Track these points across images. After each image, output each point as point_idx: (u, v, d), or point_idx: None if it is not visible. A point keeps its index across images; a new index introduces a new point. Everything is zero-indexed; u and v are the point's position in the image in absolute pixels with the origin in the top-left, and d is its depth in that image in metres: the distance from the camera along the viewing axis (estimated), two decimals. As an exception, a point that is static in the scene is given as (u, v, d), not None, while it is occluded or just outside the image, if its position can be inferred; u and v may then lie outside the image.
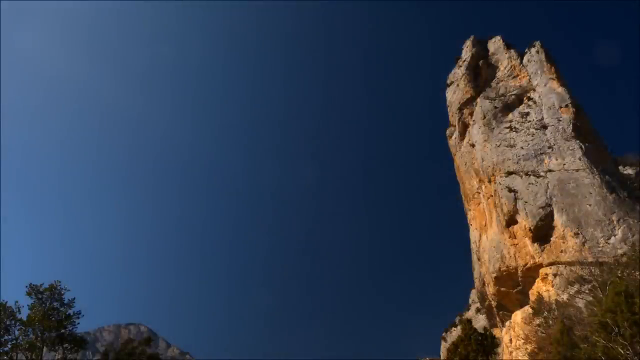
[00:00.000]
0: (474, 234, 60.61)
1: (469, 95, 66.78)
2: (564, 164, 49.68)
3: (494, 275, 50.67)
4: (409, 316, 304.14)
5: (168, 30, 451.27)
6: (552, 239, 45.25)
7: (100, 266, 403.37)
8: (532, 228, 46.52)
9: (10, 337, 30.41)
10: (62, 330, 31.25)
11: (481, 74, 68.61)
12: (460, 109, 67.12)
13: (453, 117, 69.58)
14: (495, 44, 72.13)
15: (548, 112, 56.15)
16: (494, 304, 53.55)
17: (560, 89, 57.64)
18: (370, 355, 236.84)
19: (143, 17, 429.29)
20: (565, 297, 38.98)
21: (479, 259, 57.46)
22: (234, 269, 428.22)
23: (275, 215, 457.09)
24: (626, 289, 24.28)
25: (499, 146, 56.94)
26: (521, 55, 66.91)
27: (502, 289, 50.51)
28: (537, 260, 45.75)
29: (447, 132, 71.45)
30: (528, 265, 46.74)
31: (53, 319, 30.84)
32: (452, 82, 72.91)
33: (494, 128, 59.50)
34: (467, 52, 73.56)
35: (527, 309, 46.03)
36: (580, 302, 35.07)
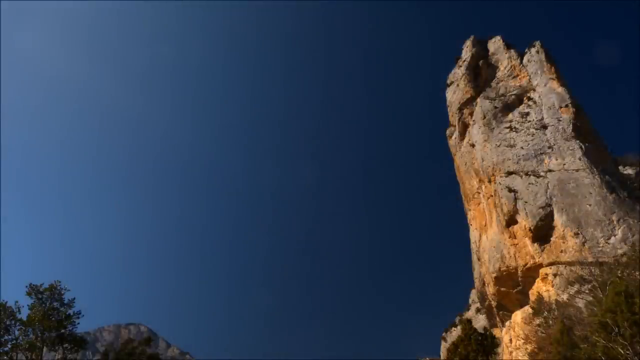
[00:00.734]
0: (474, 234, 60.59)
1: (469, 95, 66.75)
2: (564, 164, 49.67)
3: (494, 275, 50.66)
4: (409, 316, 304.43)
5: (168, 30, 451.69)
6: (552, 239, 45.24)
7: (100, 266, 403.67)
8: (532, 228, 46.51)
9: (10, 337, 30.41)
10: (62, 330, 31.24)
11: (481, 74, 68.59)
12: (460, 109, 67.10)
13: (453, 117, 69.57)
14: (495, 44, 72.12)
15: (548, 112, 56.13)
16: (494, 304, 53.54)
17: (560, 89, 57.63)
18: (370, 355, 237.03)
19: (143, 17, 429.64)
20: (565, 297, 38.97)
21: (479, 259, 57.45)
22: (234, 269, 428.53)
23: (275, 215, 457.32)
24: (626, 289, 24.28)
25: (499, 146, 56.93)
26: (521, 55, 66.89)
27: (502, 289, 50.50)
28: (537, 260, 45.74)
29: (447, 132, 71.44)
30: (528, 265, 46.74)
31: (53, 319, 30.83)
32: (452, 82, 72.90)
33: (494, 128, 59.48)
34: (467, 52, 73.55)
35: (527, 309, 46.03)
36: (580, 302, 35.06)
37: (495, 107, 61.52)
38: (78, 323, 32.19)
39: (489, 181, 56.20)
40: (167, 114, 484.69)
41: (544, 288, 44.05)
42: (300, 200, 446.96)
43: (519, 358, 44.58)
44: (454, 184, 70.94)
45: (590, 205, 44.64)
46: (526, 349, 41.92)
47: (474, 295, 77.98)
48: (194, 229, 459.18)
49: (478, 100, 64.82)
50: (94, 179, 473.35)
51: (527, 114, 58.49)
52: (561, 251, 44.13)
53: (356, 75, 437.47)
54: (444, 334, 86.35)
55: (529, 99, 60.17)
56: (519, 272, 47.56)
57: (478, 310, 73.34)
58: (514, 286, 49.16)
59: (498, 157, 55.94)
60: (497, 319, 54.38)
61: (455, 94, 70.30)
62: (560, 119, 54.19)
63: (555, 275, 43.19)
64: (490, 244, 52.99)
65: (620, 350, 22.45)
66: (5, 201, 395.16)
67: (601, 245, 41.91)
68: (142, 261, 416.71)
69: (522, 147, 54.56)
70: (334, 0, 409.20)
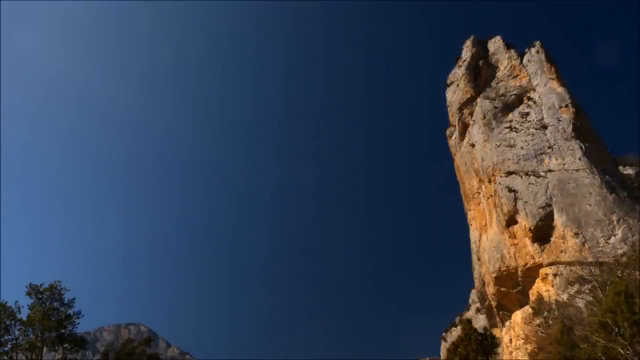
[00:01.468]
0: (474, 234, 60.58)
1: (469, 95, 66.73)
2: (564, 164, 49.66)
3: (494, 275, 50.64)
4: (408, 316, 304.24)
5: (168, 30, 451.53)
6: (552, 239, 45.23)
7: (100, 266, 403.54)
8: (532, 228, 46.50)
9: (10, 337, 30.40)
10: (62, 330, 31.24)
11: (481, 74, 68.56)
12: (460, 109, 67.08)
13: (453, 117, 69.55)
14: (495, 44, 72.09)
15: (548, 112, 56.12)
16: (494, 304, 53.53)
17: (560, 89, 57.62)
18: (370, 355, 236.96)
19: (143, 17, 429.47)
20: (565, 297, 38.97)
21: (479, 259, 57.43)
22: (234, 269, 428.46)
23: (275, 215, 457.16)
24: (626, 289, 24.27)
25: (499, 146, 56.91)
26: (521, 55, 66.88)
27: (502, 289, 50.49)
28: (537, 260, 45.74)
29: (447, 132, 71.41)
30: (528, 265, 46.73)
31: (53, 319, 30.82)
32: (452, 82, 72.88)
33: (494, 128, 59.47)
34: (467, 52, 73.54)
35: (527, 309, 46.02)
36: (580, 302, 35.06)
37: (495, 107, 61.50)
38: (78, 323, 32.20)
39: (489, 181, 56.18)
40: (167, 114, 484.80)
41: (544, 288, 44.04)
42: (301, 201, 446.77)
43: (519, 358, 44.57)
44: (454, 184, 71.00)
45: (590, 205, 44.63)
46: (526, 349, 41.92)
47: (474, 295, 77.96)
48: (194, 229, 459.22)
49: (478, 100, 64.79)
50: (94, 179, 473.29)
51: (527, 114, 58.48)
52: (561, 251, 44.12)
53: (356, 75, 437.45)
54: (444, 334, 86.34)
55: (529, 99, 60.16)
56: (519, 272, 47.55)
57: (478, 310, 73.33)
58: (514, 286, 49.15)
59: (498, 157, 55.91)
60: (497, 319, 54.37)
61: (455, 94, 70.28)
62: (560, 119, 54.18)
63: (555, 275, 43.18)
64: (490, 244, 52.97)
65: (620, 350, 22.44)
66: (5, 201, 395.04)
67: (601, 245, 41.90)
68: (142, 261, 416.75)
69: (522, 147, 54.54)
70: (334, 1, 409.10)
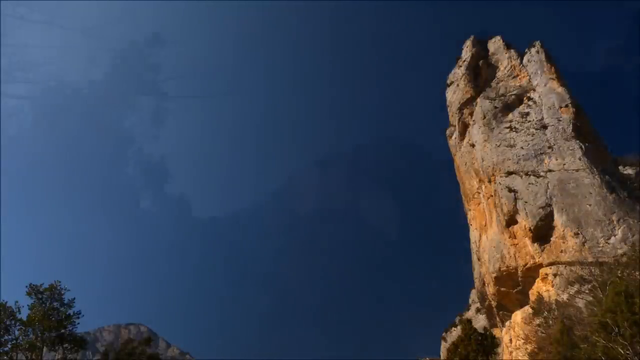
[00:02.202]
0: (474, 234, 60.56)
1: (469, 95, 66.71)
2: (564, 164, 49.66)
3: (494, 275, 50.62)
4: (409, 316, 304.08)
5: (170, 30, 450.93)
6: (552, 239, 45.23)
7: (101, 266, 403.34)
8: (532, 228, 46.50)
9: (10, 337, 30.42)
10: (62, 330, 31.25)
11: (481, 74, 68.54)
12: (460, 109, 67.06)
13: (453, 117, 69.53)
14: (495, 44, 72.07)
15: (548, 112, 56.11)
16: (494, 304, 53.52)
17: (560, 89, 57.61)
18: (370, 355, 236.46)
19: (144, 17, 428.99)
20: (565, 297, 38.97)
21: (479, 259, 57.41)
22: (234, 269, 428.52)
23: (274, 215, 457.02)
24: (626, 289, 24.26)
25: (499, 146, 56.89)
26: (521, 56, 66.86)
27: (502, 289, 50.47)
28: (537, 260, 45.73)
29: (447, 132, 71.39)
30: (528, 265, 46.72)
31: (53, 319, 30.84)
32: (452, 82, 72.85)
33: (494, 128, 59.45)
34: (467, 52, 73.50)
35: (527, 309, 46.02)
36: (580, 302, 35.06)
37: (495, 107, 61.48)
38: (78, 323, 32.23)
39: (489, 181, 56.16)
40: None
41: (544, 288, 44.05)
42: (300, 200, 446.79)
43: (519, 358, 44.57)
44: (454, 183, 70.98)
45: (590, 205, 44.64)
46: (526, 349, 41.93)
47: (474, 295, 77.91)
48: (194, 228, 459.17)
49: (478, 100, 64.77)
50: (95, 178, 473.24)
51: (527, 114, 58.47)
52: (561, 251, 44.12)
53: (357, 75, 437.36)
54: (444, 334, 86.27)
55: (529, 99, 60.17)
56: (519, 272, 47.54)
57: (478, 310, 73.29)
58: (514, 286, 49.14)
59: (498, 157, 55.89)
60: (497, 319, 54.36)
61: (455, 94, 70.25)
62: (560, 119, 54.18)
63: (555, 275, 43.18)
64: (490, 244, 52.95)
65: (620, 350, 22.43)
66: (5, 201, 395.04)
67: (601, 245, 41.91)
68: (142, 261, 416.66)
69: (522, 147, 54.52)
70: (338, 2, 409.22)
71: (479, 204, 60.39)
